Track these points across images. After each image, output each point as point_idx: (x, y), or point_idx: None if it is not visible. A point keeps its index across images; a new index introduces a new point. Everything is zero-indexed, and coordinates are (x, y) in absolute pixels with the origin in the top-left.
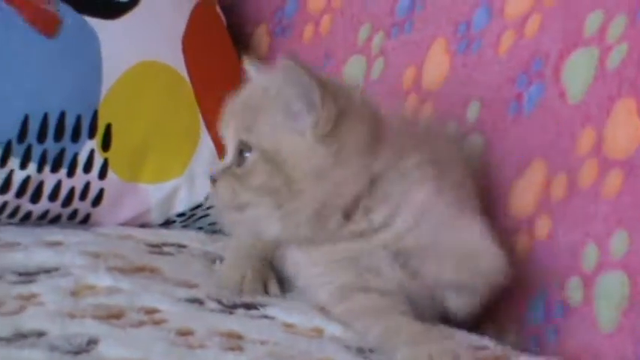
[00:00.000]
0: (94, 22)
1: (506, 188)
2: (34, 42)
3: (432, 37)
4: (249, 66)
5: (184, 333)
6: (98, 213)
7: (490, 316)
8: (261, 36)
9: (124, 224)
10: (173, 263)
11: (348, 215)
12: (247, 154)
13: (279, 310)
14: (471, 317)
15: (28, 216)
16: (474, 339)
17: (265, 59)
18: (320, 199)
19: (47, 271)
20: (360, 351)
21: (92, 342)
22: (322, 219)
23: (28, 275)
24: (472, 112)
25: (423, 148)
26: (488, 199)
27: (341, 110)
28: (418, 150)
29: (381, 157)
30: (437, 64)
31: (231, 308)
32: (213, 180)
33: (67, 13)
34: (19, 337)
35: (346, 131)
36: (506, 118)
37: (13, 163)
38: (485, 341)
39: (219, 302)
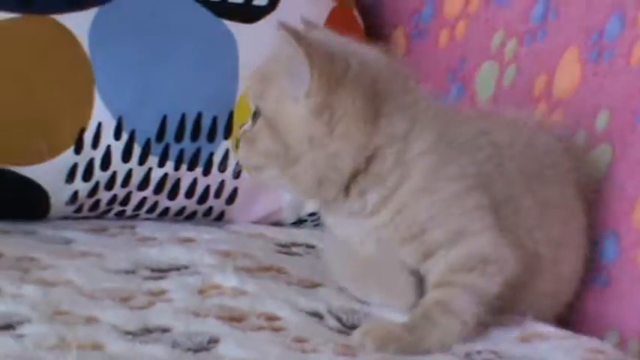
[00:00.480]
0: (233, 26)
1: (632, 201)
2: (177, 46)
3: (565, 45)
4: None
5: (301, 340)
6: (232, 211)
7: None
8: (398, 38)
9: (257, 222)
10: (300, 264)
11: (347, 191)
12: (259, 119)
13: None
14: None
15: (165, 212)
16: (596, 343)
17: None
18: (316, 168)
19: (177, 268)
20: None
21: (213, 341)
22: (322, 191)
23: (160, 272)
24: (601, 121)
25: (444, 129)
26: (611, 210)
27: (336, 79)
28: (433, 131)
29: (380, 132)
30: (568, 73)
31: (349, 328)
32: (237, 142)
33: (207, 17)
34: (145, 331)
35: (339, 101)
36: (635, 128)
37: (152, 161)
38: (606, 346)
39: (339, 320)
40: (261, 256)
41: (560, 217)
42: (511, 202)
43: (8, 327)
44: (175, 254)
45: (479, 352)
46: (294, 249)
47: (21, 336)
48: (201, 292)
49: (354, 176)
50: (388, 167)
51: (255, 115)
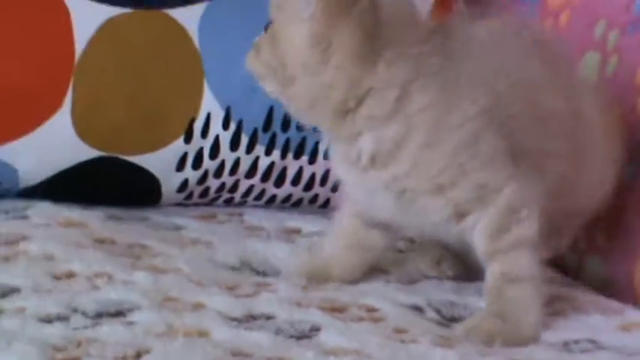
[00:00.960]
0: None
1: None
2: None
3: None
4: None
5: (400, 331)
6: (337, 198)
7: None
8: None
9: None
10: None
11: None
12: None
13: None
14: None
15: (272, 199)
16: None
17: None
18: (309, 93)
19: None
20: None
21: (315, 329)
22: (314, 116)
23: (264, 275)
24: None
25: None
26: None
27: (339, 10)
28: (436, 83)
29: (377, 74)
30: None
31: (449, 320)
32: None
33: None
34: (250, 318)
35: (338, 33)
36: None
37: (259, 150)
38: None
39: (439, 312)
40: None
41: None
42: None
43: (119, 314)
44: (282, 254)
45: (576, 342)
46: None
47: (131, 323)
48: (304, 287)
49: (344, 112)
50: (385, 114)
51: (269, 25)
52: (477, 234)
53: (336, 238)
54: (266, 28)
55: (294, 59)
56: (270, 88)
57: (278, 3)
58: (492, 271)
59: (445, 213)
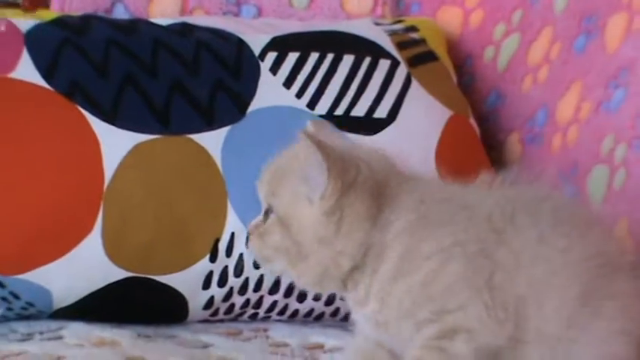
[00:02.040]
0: (355, 138)
1: None
2: None
3: None
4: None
5: None
6: None
7: None
8: (513, 144)
9: None
10: None
11: (345, 285)
12: (271, 216)
13: None
14: None
15: (295, 314)
16: None
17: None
18: (322, 265)
19: None
20: None
21: None
22: (324, 285)
23: None
24: None
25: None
26: None
27: (347, 184)
28: (412, 213)
29: (376, 227)
30: None
31: None
32: (248, 234)
33: None
34: None
35: (350, 204)
36: None
37: None
38: None
39: None
40: None
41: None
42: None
43: None
44: None
45: None
46: None
47: None
48: None
49: (351, 270)
50: (373, 255)
51: (268, 211)
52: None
53: (350, 353)
54: (266, 213)
55: (309, 237)
56: (279, 267)
57: (271, 190)
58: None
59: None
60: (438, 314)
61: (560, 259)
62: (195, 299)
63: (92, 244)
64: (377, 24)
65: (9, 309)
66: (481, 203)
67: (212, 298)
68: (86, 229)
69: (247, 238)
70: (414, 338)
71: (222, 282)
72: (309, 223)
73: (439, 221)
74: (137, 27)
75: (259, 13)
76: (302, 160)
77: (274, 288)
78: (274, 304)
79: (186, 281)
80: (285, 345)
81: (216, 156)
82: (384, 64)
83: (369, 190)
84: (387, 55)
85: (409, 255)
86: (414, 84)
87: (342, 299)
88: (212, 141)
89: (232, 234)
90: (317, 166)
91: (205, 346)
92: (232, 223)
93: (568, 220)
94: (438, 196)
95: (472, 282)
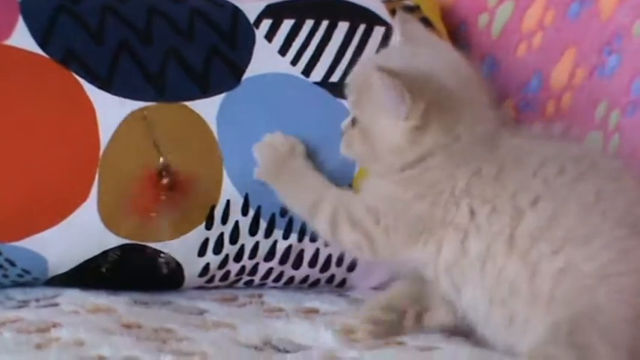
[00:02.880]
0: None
1: None
2: (300, 125)
3: None
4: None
5: None
6: (353, 278)
7: None
8: (508, 110)
9: (377, 288)
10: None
11: None
12: (355, 124)
13: None
14: None
15: (290, 280)
16: None
17: None
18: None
19: (302, 348)
20: None
21: None
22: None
23: (285, 352)
24: None
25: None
26: None
27: (428, 104)
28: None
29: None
30: None
31: None
32: (342, 133)
33: (326, 97)
34: None
35: (430, 122)
36: None
37: (277, 234)
38: None
39: None
40: None
41: None
42: None
43: None
44: (301, 330)
45: None
46: None
47: None
48: None
49: None
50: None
51: (354, 120)
52: None
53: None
54: (353, 121)
55: (386, 148)
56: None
57: (357, 100)
58: None
59: None
60: None
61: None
62: (191, 266)
63: (88, 212)
64: None
65: (4, 276)
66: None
67: (208, 265)
68: (82, 197)
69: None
70: None
71: (218, 249)
72: (388, 138)
73: None
74: None
75: None
76: (376, 85)
77: (269, 255)
78: (270, 271)
79: (182, 248)
80: (280, 310)
81: (212, 123)
82: (378, 31)
83: (446, 113)
84: (382, 21)
85: None
86: None
87: (337, 265)
88: (207, 108)
89: (228, 201)
90: (395, 94)
91: (201, 312)
92: (228, 190)
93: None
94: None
95: None
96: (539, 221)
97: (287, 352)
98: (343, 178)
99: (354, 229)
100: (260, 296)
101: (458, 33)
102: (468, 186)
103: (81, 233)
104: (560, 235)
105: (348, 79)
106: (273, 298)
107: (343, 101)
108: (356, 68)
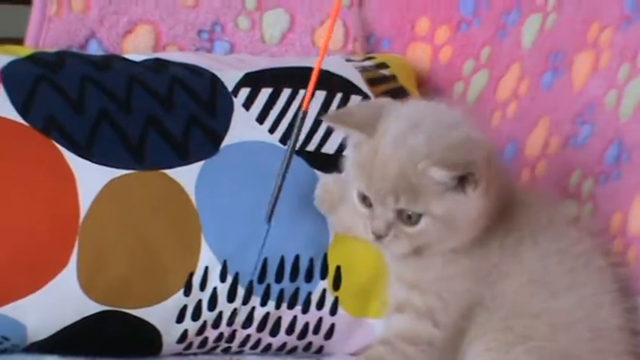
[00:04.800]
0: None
1: None
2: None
3: (638, 185)
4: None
5: None
6: (330, 345)
7: None
8: None
9: (354, 354)
10: None
11: None
12: (419, 219)
13: None
14: None
15: (268, 347)
16: None
17: None
18: (474, 234)
19: None
20: None
21: None
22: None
23: None
24: None
25: None
26: None
27: (487, 167)
28: None
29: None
30: None
31: None
32: (380, 236)
33: (302, 168)
34: None
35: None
36: None
37: (255, 300)
38: None
39: None
40: None
41: None
42: None
43: None
44: None
45: None
46: None
47: None
48: None
49: None
50: None
51: (409, 217)
52: None
53: None
54: (410, 219)
55: (470, 219)
56: (430, 250)
57: (409, 198)
58: None
59: None
60: None
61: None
62: (169, 332)
63: (67, 279)
64: (348, 60)
65: None
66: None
67: (186, 331)
68: (61, 264)
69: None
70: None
71: (196, 315)
72: (469, 210)
73: None
74: (111, 63)
75: (232, 49)
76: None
77: (247, 322)
78: (247, 337)
79: (160, 315)
80: None
81: (190, 191)
82: (355, 100)
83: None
84: (359, 91)
85: None
86: None
87: (314, 333)
88: (186, 176)
89: (206, 268)
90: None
91: None
92: (206, 257)
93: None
94: None
95: None
96: None
97: None
98: (320, 244)
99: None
100: None
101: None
102: None
103: (60, 300)
104: None
105: (383, 185)
106: None
107: (317, 172)
108: (381, 173)
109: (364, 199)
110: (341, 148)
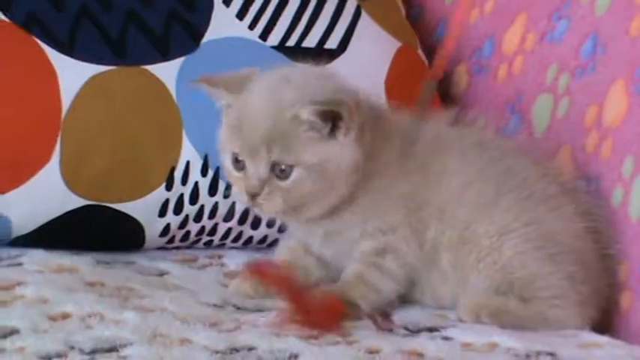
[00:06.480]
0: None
1: None
2: None
3: (612, 78)
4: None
5: (372, 351)
6: None
7: None
8: (461, 74)
9: None
10: None
11: None
12: (292, 171)
13: (459, 331)
14: None
15: (249, 240)
16: None
17: (465, 96)
18: (349, 189)
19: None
20: (527, 356)
21: (293, 356)
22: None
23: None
24: None
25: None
26: None
27: (358, 115)
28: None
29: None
30: (616, 104)
31: (415, 332)
32: (255, 194)
33: (283, 61)
34: (233, 350)
35: (366, 135)
36: None
37: None
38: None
39: (406, 328)
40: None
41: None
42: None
43: (113, 350)
44: None
45: (538, 353)
46: None
47: (124, 357)
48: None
49: None
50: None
51: (282, 170)
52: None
53: (278, 255)
54: (280, 172)
55: (345, 169)
56: (310, 211)
57: (282, 151)
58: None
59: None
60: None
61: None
62: (152, 226)
63: (51, 173)
64: None
65: None
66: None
67: (168, 225)
68: (45, 159)
69: (252, 201)
70: (353, 250)
71: (178, 210)
72: (343, 158)
73: None
74: None
75: None
76: (297, 115)
77: (229, 215)
78: (229, 231)
79: (142, 209)
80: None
81: (171, 86)
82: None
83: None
84: None
85: None
86: (364, 16)
87: None
88: (167, 71)
89: (188, 162)
90: (333, 114)
91: (162, 273)
92: (187, 152)
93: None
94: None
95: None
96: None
97: (248, 310)
98: None
99: None
100: (220, 257)
101: None
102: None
103: (44, 194)
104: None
105: (252, 145)
106: (233, 259)
107: (300, 64)
108: (254, 131)
109: (237, 162)
110: (321, 41)
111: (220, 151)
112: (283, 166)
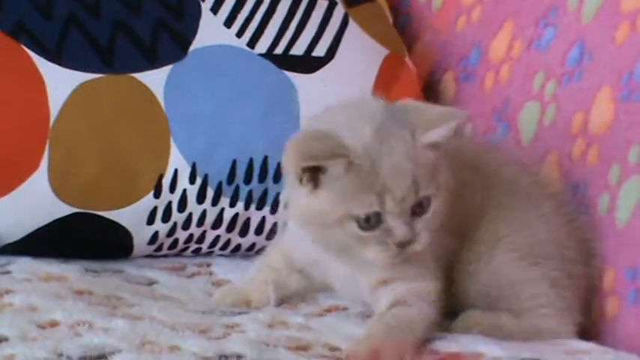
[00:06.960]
0: (294, 76)
1: None
2: (244, 96)
3: (599, 85)
4: None
5: None
6: None
7: None
8: (448, 82)
9: None
10: None
11: None
12: (431, 199)
13: (444, 343)
14: None
15: (237, 248)
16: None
17: (451, 104)
18: None
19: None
20: None
21: None
22: None
23: (233, 314)
24: (633, 155)
25: None
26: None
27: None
28: None
29: None
30: (602, 111)
31: None
32: (407, 242)
33: (270, 70)
34: (222, 357)
35: None
36: None
37: (224, 202)
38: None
39: None
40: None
41: None
42: None
43: (101, 357)
44: None
45: None
46: None
47: None
48: (270, 325)
49: None
50: None
51: (420, 205)
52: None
53: (260, 271)
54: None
55: None
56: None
57: (427, 182)
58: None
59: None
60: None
61: None
62: (140, 234)
63: (39, 181)
64: None
65: None
66: None
67: (156, 233)
68: (33, 167)
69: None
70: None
71: (166, 217)
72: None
73: None
74: None
75: None
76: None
77: (217, 223)
78: (217, 238)
79: (131, 216)
80: (228, 282)
81: (159, 94)
82: (322, 4)
83: None
84: None
85: None
86: (351, 23)
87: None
88: (155, 79)
89: (176, 170)
90: None
91: (150, 283)
92: (175, 159)
93: None
94: None
95: None
96: None
97: (234, 314)
98: None
99: None
100: (208, 265)
101: (400, 7)
102: None
103: (32, 202)
104: None
105: (403, 180)
106: (221, 268)
107: (286, 72)
108: (399, 164)
109: (367, 222)
110: (309, 49)
111: (315, 225)
112: (422, 200)
